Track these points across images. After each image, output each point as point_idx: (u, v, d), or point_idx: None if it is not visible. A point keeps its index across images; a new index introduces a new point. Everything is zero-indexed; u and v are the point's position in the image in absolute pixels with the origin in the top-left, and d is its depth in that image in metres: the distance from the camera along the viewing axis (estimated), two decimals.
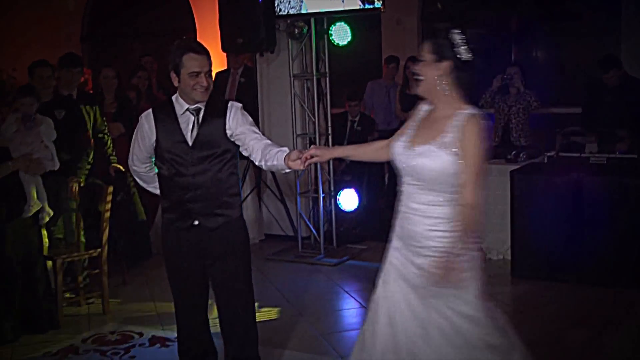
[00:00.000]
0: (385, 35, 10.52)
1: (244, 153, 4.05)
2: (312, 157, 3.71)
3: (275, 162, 3.86)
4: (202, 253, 4.08)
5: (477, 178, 3.25)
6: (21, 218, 5.52)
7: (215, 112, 4.00)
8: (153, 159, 4.13)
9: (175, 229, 4.09)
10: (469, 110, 3.29)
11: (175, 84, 3.96)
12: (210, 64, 3.92)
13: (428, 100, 3.48)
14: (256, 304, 4.28)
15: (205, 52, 3.91)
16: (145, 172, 4.23)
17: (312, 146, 3.91)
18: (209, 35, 9.85)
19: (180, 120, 3.99)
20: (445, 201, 3.32)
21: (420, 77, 3.38)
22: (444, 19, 10.34)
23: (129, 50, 11.42)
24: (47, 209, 5.67)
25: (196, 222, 4.01)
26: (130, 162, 4.23)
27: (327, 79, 7.78)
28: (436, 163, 3.28)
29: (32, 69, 6.42)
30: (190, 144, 3.96)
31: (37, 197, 5.57)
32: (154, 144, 4.03)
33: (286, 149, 3.86)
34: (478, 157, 3.23)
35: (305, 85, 7.90)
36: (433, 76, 3.31)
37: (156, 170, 4.15)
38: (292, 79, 7.77)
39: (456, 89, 3.33)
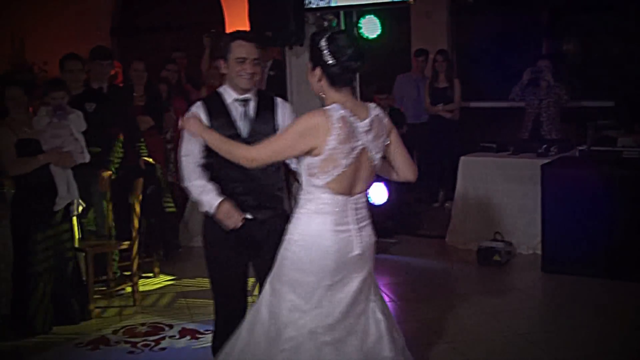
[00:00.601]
0: (415, 28, 10.45)
1: None
2: None
3: None
4: (249, 245, 4.04)
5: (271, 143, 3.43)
6: (52, 211, 5.55)
7: (267, 105, 4.00)
8: None
9: None
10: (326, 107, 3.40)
11: (224, 71, 3.95)
12: (258, 53, 3.90)
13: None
14: None
15: (253, 40, 3.91)
16: (192, 168, 3.97)
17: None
18: (238, 28, 9.84)
19: (231, 111, 3.97)
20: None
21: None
22: (474, 12, 10.26)
23: (158, 44, 11.44)
24: (78, 201, 5.70)
25: (249, 216, 3.96)
26: (185, 155, 4.00)
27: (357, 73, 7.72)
28: None
29: (62, 63, 6.46)
30: (245, 136, 3.91)
31: (68, 190, 5.60)
32: None
33: None
34: (287, 131, 3.41)
35: None
36: (314, 82, 3.45)
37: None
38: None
39: (332, 91, 3.41)
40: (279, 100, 4.05)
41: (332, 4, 7.31)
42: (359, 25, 7.56)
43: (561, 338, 5.13)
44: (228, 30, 9.90)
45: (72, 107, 5.75)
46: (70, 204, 5.65)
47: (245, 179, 3.93)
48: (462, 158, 7.65)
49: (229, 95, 3.98)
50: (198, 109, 3.97)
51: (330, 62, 3.35)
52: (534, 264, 6.74)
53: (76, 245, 5.89)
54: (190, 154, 3.96)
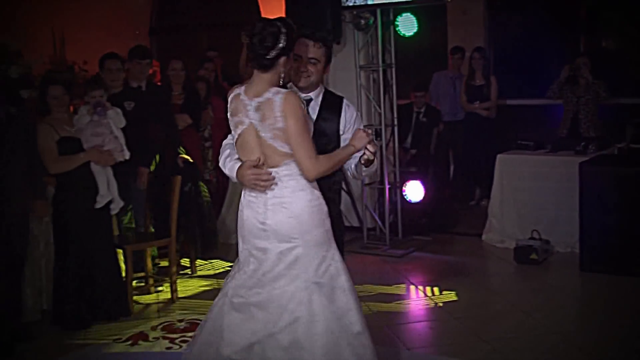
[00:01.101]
0: (451, 25, 10.40)
1: None
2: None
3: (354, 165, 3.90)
4: None
5: None
6: (93, 208, 5.62)
7: (331, 107, 3.96)
8: None
9: None
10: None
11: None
12: (317, 53, 3.86)
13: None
14: None
15: (316, 40, 3.89)
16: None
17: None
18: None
19: None
20: None
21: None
22: (510, 8, 10.18)
23: (195, 43, 11.51)
24: (118, 199, 5.76)
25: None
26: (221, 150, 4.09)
27: (393, 69, 7.73)
28: None
29: (102, 62, 6.54)
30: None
31: (109, 188, 5.67)
32: None
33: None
34: None
35: (371, 76, 7.87)
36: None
37: None
38: (358, 69, 7.75)
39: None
40: (345, 104, 4.00)
41: (369, 2, 7.32)
42: (396, 23, 7.56)
43: (598, 337, 5.08)
44: None
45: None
46: (110, 201, 5.72)
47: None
48: (499, 156, 7.60)
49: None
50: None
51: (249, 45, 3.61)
52: (572, 263, 6.68)
53: (115, 242, 5.96)
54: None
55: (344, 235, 4.10)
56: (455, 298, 6.03)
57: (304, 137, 3.55)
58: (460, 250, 7.48)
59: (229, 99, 3.72)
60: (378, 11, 7.46)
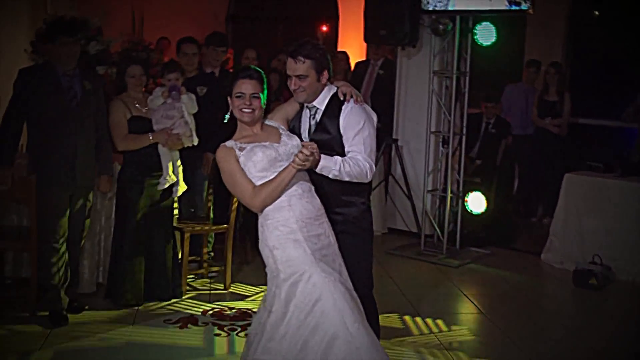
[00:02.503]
0: (530, 37, 10.23)
1: None
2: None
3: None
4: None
5: None
6: (156, 189, 5.67)
7: (332, 113, 3.94)
8: None
9: None
10: None
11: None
12: (302, 69, 3.88)
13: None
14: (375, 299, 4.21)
15: (296, 57, 3.90)
16: None
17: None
18: (352, 24, 9.86)
19: (302, 116, 4.04)
20: None
21: None
22: (594, 26, 9.97)
23: (271, 33, 11.56)
24: (182, 183, 5.80)
25: None
26: None
27: (467, 78, 7.62)
28: None
29: (179, 45, 6.60)
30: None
31: (173, 171, 5.70)
32: None
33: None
34: None
35: (444, 82, 7.78)
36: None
37: None
38: (431, 75, 7.66)
39: None
40: (346, 105, 3.94)
41: (450, 8, 7.21)
42: (474, 31, 7.45)
43: None
44: (341, 26, 9.93)
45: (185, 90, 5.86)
46: (174, 184, 5.75)
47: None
48: (567, 175, 7.44)
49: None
50: None
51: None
52: (633, 292, 6.51)
53: (174, 224, 6.00)
54: None
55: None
56: (506, 314, 5.92)
57: (231, 186, 3.75)
58: (517, 266, 7.35)
59: None
60: (458, 18, 7.37)
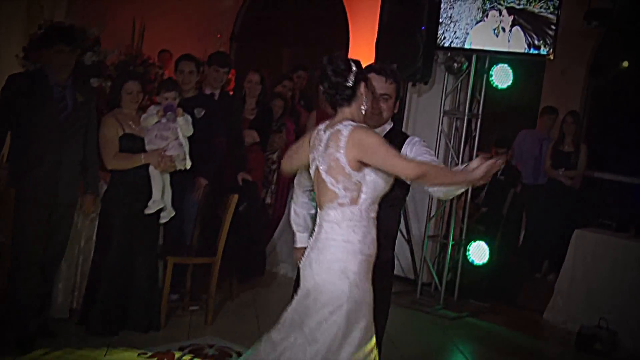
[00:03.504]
0: (547, 83, 10.25)
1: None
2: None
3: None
4: None
5: None
6: (143, 213, 5.64)
7: (394, 144, 3.79)
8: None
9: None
10: None
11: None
12: (389, 89, 3.88)
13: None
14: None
15: (388, 75, 3.89)
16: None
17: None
18: (362, 54, 9.84)
19: None
20: None
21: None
22: (616, 77, 9.99)
23: (277, 57, 11.59)
24: (170, 208, 5.78)
25: None
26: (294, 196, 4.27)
27: (479, 120, 7.64)
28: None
29: (176, 63, 6.62)
30: None
31: (162, 195, 5.69)
32: None
33: None
34: None
35: (454, 123, 7.80)
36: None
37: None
38: (441, 114, 7.68)
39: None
40: (410, 139, 3.93)
41: (467, 46, 7.24)
42: (490, 72, 7.47)
43: None
44: (351, 54, 9.94)
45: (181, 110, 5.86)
46: (162, 209, 5.73)
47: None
48: (577, 231, 7.43)
49: None
50: None
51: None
52: None
53: (158, 252, 5.98)
54: (298, 180, 4.14)
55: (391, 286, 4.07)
56: None
57: (384, 150, 3.47)
58: (517, 324, 7.31)
59: (312, 135, 3.75)
60: (474, 57, 7.40)
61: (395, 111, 3.98)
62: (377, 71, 3.89)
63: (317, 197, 3.70)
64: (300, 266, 3.72)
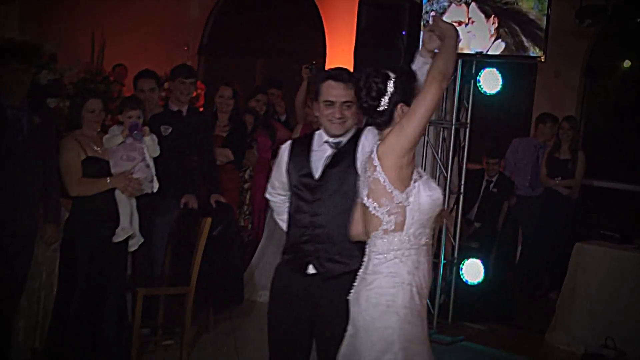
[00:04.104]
0: (540, 87, 10.32)
1: None
2: None
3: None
4: (312, 305, 4.06)
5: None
6: (110, 242, 5.62)
7: (349, 142, 4.05)
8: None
9: (288, 271, 4.12)
10: None
11: (316, 113, 4.11)
12: (350, 95, 3.95)
13: None
14: None
15: (347, 81, 3.97)
16: (277, 202, 4.32)
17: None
18: (340, 63, 9.91)
19: (313, 153, 4.09)
20: None
21: None
22: (615, 78, 10.07)
23: (250, 69, 11.61)
24: (139, 235, 5.76)
25: (311, 269, 4.03)
26: (268, 187, 4.36)
27: (467, 130, 7.67)
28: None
29: (135, 81, 6.63)
30: (316, 177, 4.03)
31: (131, 222, 5.67)
32: (286, 177, 4.15)
33: None
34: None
35: (441, 133, 7.82)
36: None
37: None
38: (427, 125, 7.70)
39: None
40: (367, 129, 4.03)
41: None
42: (478, 78, 7.52)
43: None
44: (329, 64, 9.99)
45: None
46: (130, 236, 5.72)
47: (310, 226, 4.02)
48: (577, 244, 7.46)
49: (320, 138, 4.12)
50: (284, 148, 4.21)
51: None
52: None
53: (127, 283, 5.95)
54: (272, 189, 4.28)
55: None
56: None
57: (408, 117, 3.48)
58: (517, 347, 7.31)
59: None
60: (459, 62, 7.42)
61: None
62: (335, 78, 3.99)
63: (365, 228, 3.67)
64: (350, 301, 3.68)
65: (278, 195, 4.27)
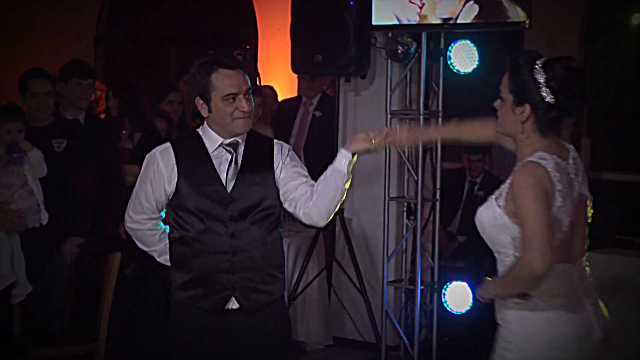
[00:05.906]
0: None
1: (288, 208, 4.21)
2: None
3: (326, 176, 4.23)
4: (230, 345, 4.17)
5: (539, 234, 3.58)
6: None
7: (259, 149, 4.17)
8: (162, 213, 4.27)
9: (199, 311, 4.15)
10: (531, 157, 3.71)
11: (205, 114, 4.13)
12: (248, 82, 4.07)
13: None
14: None
15: (239, 66, 4.08)
16: (148, 230, 4.32)
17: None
18: (276, 48, 9.96)
19: (213, 160, 4.14)
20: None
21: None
22: (615, 45, 10.20)
23: (160, 61, 11.58)
24: (25, 282, 5.70)
25: (233, 304, 4.12)
26: (126, 216, 4.36)
27: (440, 120, 7.70)
28: (485, 216, 3.85)
29: (24, 82, 6.51)
30: (229, 191, 4.09)
31: (12, 266, 5.61)
32: (172, 192, 4.14)
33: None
34: (530, 207, 3.62)
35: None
36: (514, 122, 3.82)
37: (167, 230, 4.28)
38: (389, 117, 7.71)
39: (538, 136, 3.79)
40: (276, 142, 4.24)
41: (412, 21, 7.22)
42: (448, 53, 7.53)
43: None
44: (262, 48, 10.00)
45: (33, 144, 5.78)
46: (13, 285, 5.65)
47: (229, 251, 4.10)
48: (588, 254, 7.49)
49: (212, 141, 4.18)
50: (163, 154, 4.20)
51: (548, 99, 3.67)
52: None
53: (16, 344, 5.88)
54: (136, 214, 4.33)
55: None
56: None
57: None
58: None
59: (556, 175, 3.75)
60: (424, 35, 7.42)
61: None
62: (228, 65, 4.07)
63: (570, 246, 3.93)
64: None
65: (148, 222, 4.29)
